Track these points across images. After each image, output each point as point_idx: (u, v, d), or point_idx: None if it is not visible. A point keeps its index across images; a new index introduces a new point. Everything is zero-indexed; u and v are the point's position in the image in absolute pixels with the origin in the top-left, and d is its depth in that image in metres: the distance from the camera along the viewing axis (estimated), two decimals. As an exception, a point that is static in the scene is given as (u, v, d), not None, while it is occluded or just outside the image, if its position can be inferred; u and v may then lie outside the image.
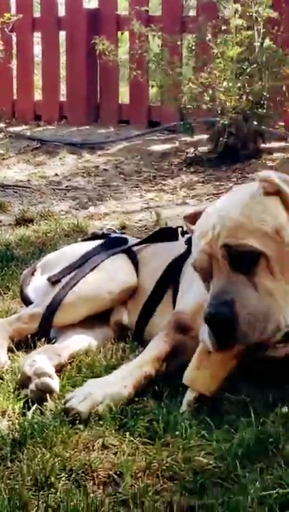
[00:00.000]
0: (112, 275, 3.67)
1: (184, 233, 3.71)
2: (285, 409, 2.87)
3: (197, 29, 8.04)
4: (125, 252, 3.80)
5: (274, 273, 2.86)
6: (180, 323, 3.22)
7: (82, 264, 3.69)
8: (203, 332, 2.91)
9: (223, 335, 2.83)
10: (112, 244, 3.83)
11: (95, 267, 3.67)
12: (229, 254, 2.86)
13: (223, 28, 7.64)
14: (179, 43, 8.60)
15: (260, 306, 2.82)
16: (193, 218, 3.18)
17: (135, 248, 3.86)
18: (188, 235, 3.37)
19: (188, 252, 3.41)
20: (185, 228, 3.45)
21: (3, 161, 8.44)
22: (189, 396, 2.93)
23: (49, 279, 3.69)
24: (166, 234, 3.89)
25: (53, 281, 3.67)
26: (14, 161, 8.47)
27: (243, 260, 2.86)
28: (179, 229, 3.76)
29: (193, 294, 3.29)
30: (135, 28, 8.14)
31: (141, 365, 3.06)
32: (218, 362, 2.93)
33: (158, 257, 3.75)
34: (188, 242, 3.33)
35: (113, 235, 4.04)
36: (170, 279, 3.59)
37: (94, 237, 4.07)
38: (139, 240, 4.03)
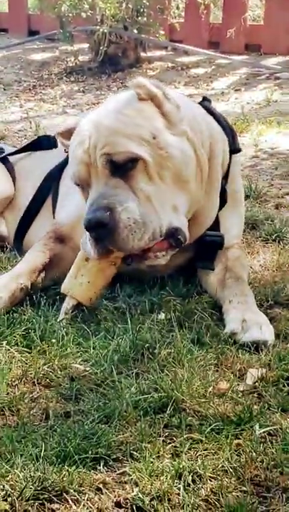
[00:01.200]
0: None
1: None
2: (161, 316, 2.90)
3: None
4: (1, 162, 3.70)
5: (152, 178, 2.82)
6: (59, 233, 3.18)
7: None
8: (84, 241, 2.87)
9: (102, 240, 2.77)
10: (-14, 154, 3.74)
11: None
12: (109, 162, 2.81)
13: None
14: None
15: (140, 211, 2.78)
16: (67, 134, 3.11)
17: (12, 158, 3.77)
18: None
19: (67, 160, 3.35)
20: (60, 144, 3.36)
21: None
22: (67, 304, 2.92)
23: None
24: (45, 142, 3.80)
25: None
26: None
27: (121, 166, 2.81)
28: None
29: (72, 204, 3.24)
30: None
31: (16, 276, 3.02)
32: (95, 270, 2.92)
33: (37, 165, 3.68)
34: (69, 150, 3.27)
35: (-13, 144, 3.94)
36: (49, 187, 3.53)
37: None
38: (15, 149, 3.94)
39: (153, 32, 7.70)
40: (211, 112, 3.20)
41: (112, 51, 7.65)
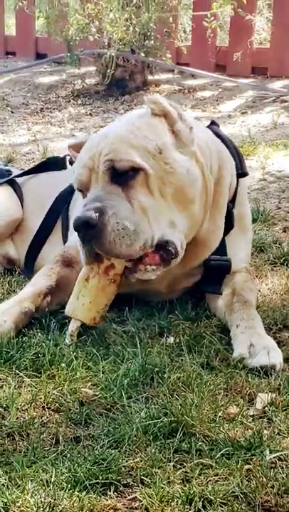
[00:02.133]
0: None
1: (72, 162, 3.66)
2: (170, 340, 2.91)
3: None
4: (9, 184, 3.72)
5: (152, 191, 2.84)
6: (66, 257, 3.18)
7: None
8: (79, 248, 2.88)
9: (89, 241, 2.79)
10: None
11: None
12: (110, 168, 2.84)
13: None
14: (65, -28, 8.39)
15: (131, 219, 2.78)
16: (78, 147, 3.13)
17: (20, 180, 3.79)
18: None
19: None
20: (71, 156, 3.38)
21: None
22: (71, 327, 2.92)
23: None
24: (53, 164, 3.82)
25: None
26: None
27: (122, 174, 2.83)
28: (68, 157, 3.71)
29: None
30: None
31: (20, 300, 3.03)
32: (96, 289, 2.92)
33: (45, 187, 3.69)
34: None
35: (-5, 167, 3.95)
36: (60, 209, 3.53)
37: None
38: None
39: (160, 55, 7.73)
40: (219, 135, 3.23)
41: (120, 74, 7.69)
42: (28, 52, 9.28)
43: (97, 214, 2.74)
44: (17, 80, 8.56)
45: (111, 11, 7.49)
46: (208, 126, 3.31)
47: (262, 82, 7.74)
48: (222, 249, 3.14)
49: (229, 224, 3.16)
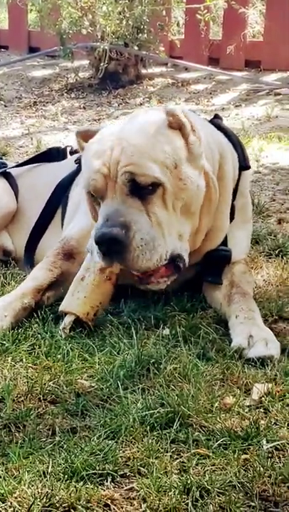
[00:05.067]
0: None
1: (72, 153, 3.64)
2: (166, 331, 2.90)
3: None
4: (4, 176, 3.71)
5: (167, 205, 2.84)
6: (67, 248, 3.17)
7: None
8: (91, 248, 2.86)
9: (110, 255, 2.78)
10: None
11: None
12: (131, 181, 2.81)
13: None
14: None
15: (151, 234, 2.79)
16: (86, 136, 3.10)
17: (15, 172, 3.77)
18: (79, 154, 3.29)
19: (77, 172, 3.35)
20: (75, 146, 3.34)
21: None
22: (65, 321, 2.92)
23: None
24: (55, 154, 3.80)
25: None
26: None
27: (142, 188, 2.81)
28: (68, 148, 3.68)
29: (81, 218, 3.24)
30: None
31: (21, 295, 3.02)
32: (91, 285, 2.92)
33: (43, 178, 3.68)
34: (79, 161, 3.26)
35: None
36: (59, 198, 3.51)
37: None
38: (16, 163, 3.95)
39: (153, 49, 7.73)
40: (222, 129, 3.23)
41: (113, 68, 7.68)
42: (21, 46, 9.26)
43: (123, 231, 2.74)
44: (10, 74, 8.54)
45: (104, 3, 7.48)
46: (211, 120, 3.30)
47: (255, 75, 7.74)
48: (223, 240, 3.15)
49: (231, 216, 3.16)
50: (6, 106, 7.57)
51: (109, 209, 2.82)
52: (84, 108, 7.27)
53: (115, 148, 2.84)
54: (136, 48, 7.66)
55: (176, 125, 2.89)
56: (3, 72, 8.60)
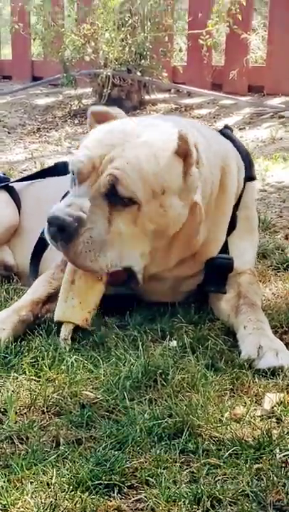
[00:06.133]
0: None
1: None
2: (173, 343, 2.82)
3: (77, -21, 7.89)
4: (7, 191, 3.66)
5: (136, 223, 2.79)
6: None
7: None
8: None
9: (56, 240, 2.78)
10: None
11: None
12: (111, 185, 2.77)
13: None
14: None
15: (102, 238, 2.75)
16: (99, 116, 3.10)
17: (18, 186, 3.72)
18: None
19: None
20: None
21: None
22: (64, 330, 2.84)
23: None
24: (62, 168, 3.74)
25: None
26: None
27: (117, 196, 2.77)
28: None
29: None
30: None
31: (19, 309, 2.96)
32: (84, 289, 2.85)
33: (45, 191, 3.63)
34: None
35: (-6, 175, 3.89)
36: None
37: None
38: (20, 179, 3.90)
39: (156, 74, 7.72)
40: (231, 139, 3.20)
41: (116, 94, 7.67)
42: (25, 76, 9.29)
43: (76, 224, 2.72)
44: (13, 102, 8.54)
45: (107, 30, 7.49)
46: (220, 131, 3.26)
47: (259, 100, 7.72)
48: (224, 249, 3.08)
49: (231, 225, 3.10)
50: (9, 133, 7.55)
51: (78, 197, 2.81)
52: (88, 133, 7.24)
53: (116, 148, 2.80)
54: (139, 74, 7.65)
55: (182, 152, 2.83)
56: (6, 101, 8.60)
